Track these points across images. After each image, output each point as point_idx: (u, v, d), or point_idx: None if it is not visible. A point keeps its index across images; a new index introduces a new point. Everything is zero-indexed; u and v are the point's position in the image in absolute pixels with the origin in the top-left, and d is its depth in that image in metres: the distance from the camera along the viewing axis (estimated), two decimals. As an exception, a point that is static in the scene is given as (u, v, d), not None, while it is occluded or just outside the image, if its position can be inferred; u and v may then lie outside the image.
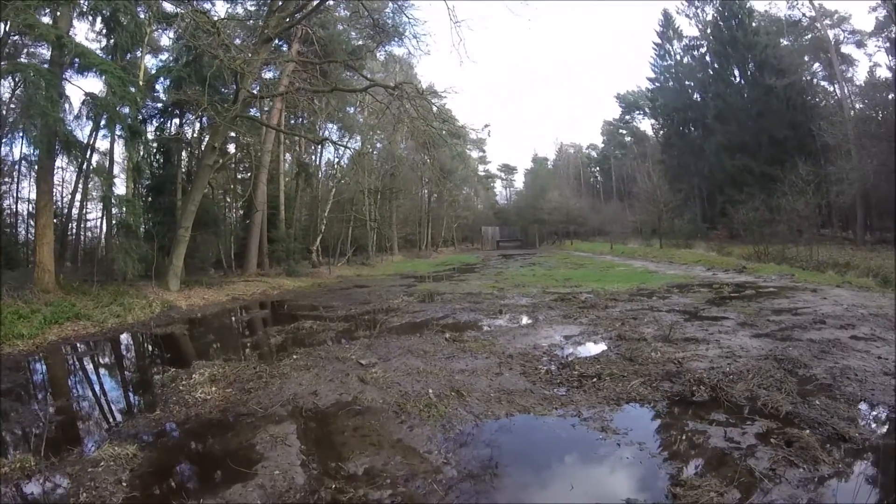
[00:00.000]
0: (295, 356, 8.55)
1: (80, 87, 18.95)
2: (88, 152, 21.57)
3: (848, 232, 38.18)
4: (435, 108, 25.42)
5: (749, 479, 4.10)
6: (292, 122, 36.16)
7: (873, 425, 5.40)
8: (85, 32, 21.24)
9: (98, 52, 20.32)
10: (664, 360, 7.54)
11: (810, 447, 4.54)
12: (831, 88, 43.61)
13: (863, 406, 5.82)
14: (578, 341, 9.30)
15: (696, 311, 11.95)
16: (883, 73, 38.62)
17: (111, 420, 6.58)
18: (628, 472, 4.49)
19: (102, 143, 23.73)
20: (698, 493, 3.92)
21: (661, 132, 63.62)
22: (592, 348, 8.72)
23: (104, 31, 21.44)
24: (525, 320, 11.77)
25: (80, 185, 23.09)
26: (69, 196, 26.27)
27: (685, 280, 19.18)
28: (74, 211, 25.30)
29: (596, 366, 7.32)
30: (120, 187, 24.07)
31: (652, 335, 9.26)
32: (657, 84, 60.28)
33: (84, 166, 22.24)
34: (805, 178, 26.26)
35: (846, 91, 39.75)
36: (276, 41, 27.32)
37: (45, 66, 17.08)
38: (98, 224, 26.23)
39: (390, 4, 27.06)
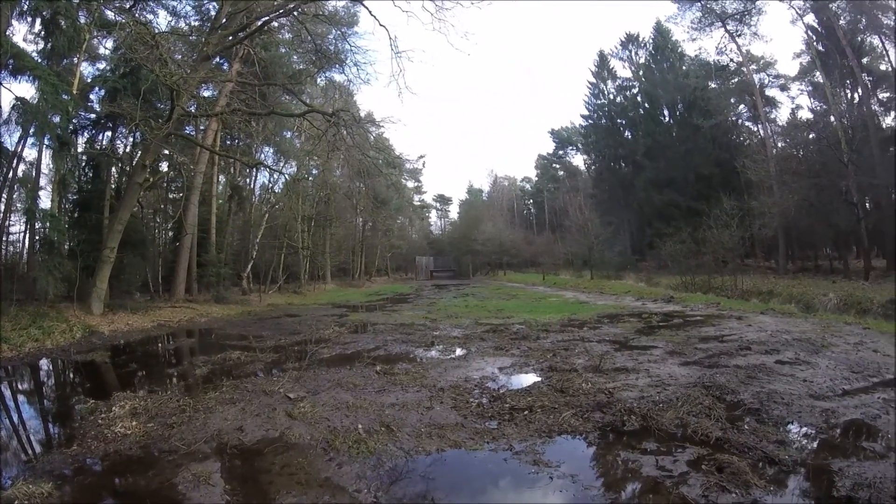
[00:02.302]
0: (221, 389, 8.30)
1: (11, 91, 18.21)
2: (15, 161, 20.69)
3: (770, 262, 39.95)
4: (372, 137, 25.62)
5: (682, 508, 4.13)
6: (228, 143, 35.59)
7: (802, 446, 5.56)
8: (24, 34, 20.48)
9: (34, 54, 19.65)
10: (595, 390, 7.61)
11: (741, 472, 4.63)
12: (755, 128, 46.24)
13: (791, 428, 6.00)
14: (510, 373, 9.29)
15: (626, 341, 12.14)
16: (804, 114, 40.99)
17: (26, 454, 6.23)
18: (562, 505, 4.48)
19: (31, 153, 22.81)
20: (633, 525, 3.95)
21: (593, 167, 65.90)
22: (524, 380, 8.71)
23: (42, 33, 20.71)
24: (457, 352, 11.73)
25: (4, 196, 22.09)
26: (-9, 207, 25.08)
27: (615, 310, 19.53)
28: (-4, 223, 24.18)
29: (527, 398, 7.31)
30: (46, 201, 23.05)
31: (583, 366, 9.35)
32: (590, 121, 62.36)
33: (9, 175, 21.33)
34: (729, 212, 27.42)
35: (769, 131, 41.94)
36: (217, 59, 26.98)
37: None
38: (20, 239, 25.01)
39: (334, 31, 27.17)
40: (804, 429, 6.01)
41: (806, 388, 7.43)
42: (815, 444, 5.64)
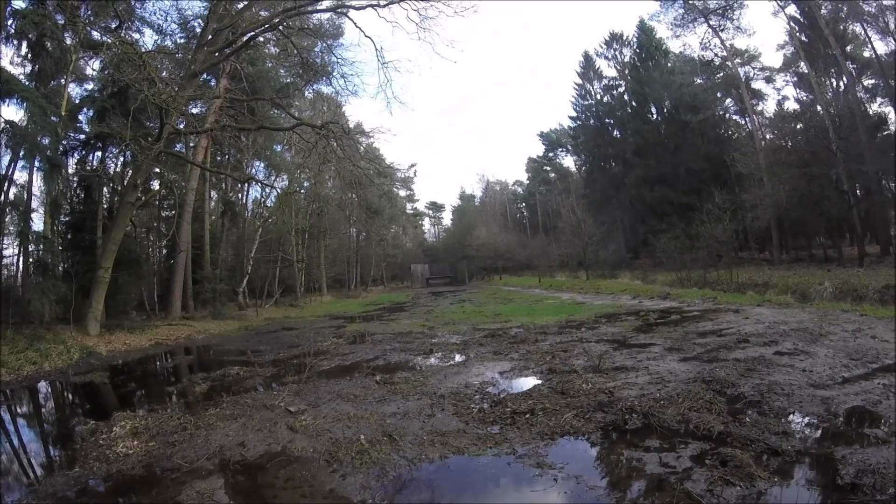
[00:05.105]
0: (221, 405, 8.27)
1: (0, 114, 18.34)
2: (6, 184, 20.68)
3: (765, 253, 40.17)
4: (362, 148, 25.64)
5: (688, 502, 4.16)
6: (219, 159, 35.55)
7: (804, 436, 5.58)
8: (10, 57, 20.53)
9: (21, 77, 19.61)
10: (595, 390, 7.61)
11: (745, 464, 4.64)
12: (743, 122, 46.54)
13: (792, 418, 6.03)
14: (510, 377, 9.29)
15: (624, 340, 12.16)
16: (791, 105, 41.28)
17: (28, 477, 6.20)
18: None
19: (21, 175, 22.72)
20: (639, 522, 3.94)
21: (584, 168, 66.20)
22: (524, 383, 8.71)
23: (29, 55, 20.66)
24: (456, 358, 11.70)
25: (-4, 219, 22.07)
26: (-17, 231, 24.92)
27: (612, 309, 19.59)
28: (-11, 247, 24.07)
29: (528, 401, 7.30)
30: (38, 223, 22.98)
31: (582, 366, 9.35)
32: (579, 122, 62.66)
33: (0, 199, 21.31)
34: (721, 205, 27.51)
35: (757, 123, 42.14)
36: (205, 76, 26.98)
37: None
38: (14, 262, 24.93)
39: (320, 44, 27.21)
40: (806, 418, 6.04)
41: (806, 377, 7.46)
42: (817, 434, 5.67)
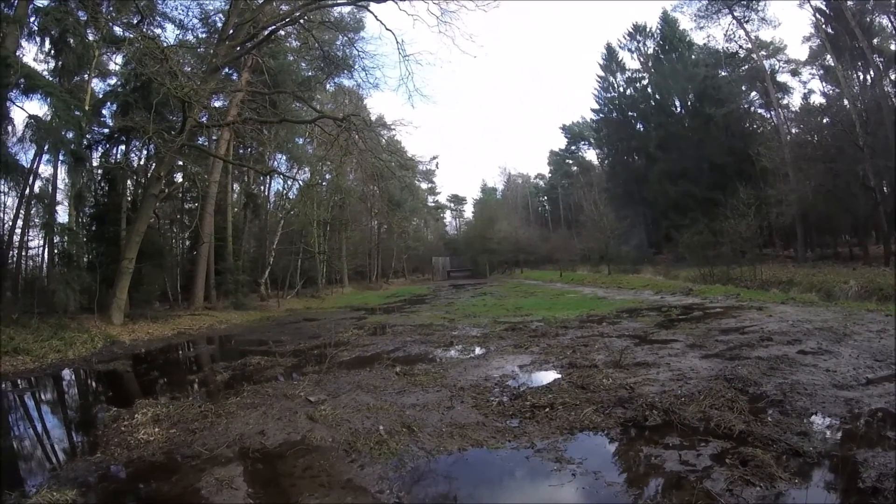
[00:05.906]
0: (242, 394, 8.34)
1: (24, 110, 18.63)
2: (31, 178, 20.99)
3: (789, 250, 39.50)
4: (384, 140, 25.61)
5: (707, 501, 4.11)
6: (241, 152, 35.71)
7: (826, 437, 5.48)
8: (34, 53, 20.91)
9: (45, 73, 19.93)
10: (616, 386, 7.55)
11: (765, 464, 4.57)
12: (768, 115, 45.57)
13: (814, 419, 5.94)
14: (530, 371, 9.26)
15: (645, 336, 12.07)
16: (817, 98, 40.51)
17: (51, 462, 6.31)
18: (586, 502, 4.45)
19: (46, 169, 23.09)
20: (657, 519, 3.89)
21: (606, 161, 65.50)
22: (544, 377, 8.66)
23: (52, 52, 20.98)
24: (476, 351, 11.69)
25: (22, 212, 22.36)
26: (10, 223, 25.41)
27: (634, 305, 19.44)
28: (15, 238, 24.45)
29: (548, 395, 7.26)
30: (63, 215, 23.30)
31: (603, 361, 9.29)
32: (601, 115, 61.94)
33: (26, 192, 21.64)
34: (745, 201, 27.11)
35: (782, 117, 41.37)
36: (226, 70, 27.13)
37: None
38: (40, 253, 25.33)
39: (340, 37, 27.24)
40: (828, 419, 5.95)
41: (829, 377, 7.34)
42: (839, 435, 5.57)
